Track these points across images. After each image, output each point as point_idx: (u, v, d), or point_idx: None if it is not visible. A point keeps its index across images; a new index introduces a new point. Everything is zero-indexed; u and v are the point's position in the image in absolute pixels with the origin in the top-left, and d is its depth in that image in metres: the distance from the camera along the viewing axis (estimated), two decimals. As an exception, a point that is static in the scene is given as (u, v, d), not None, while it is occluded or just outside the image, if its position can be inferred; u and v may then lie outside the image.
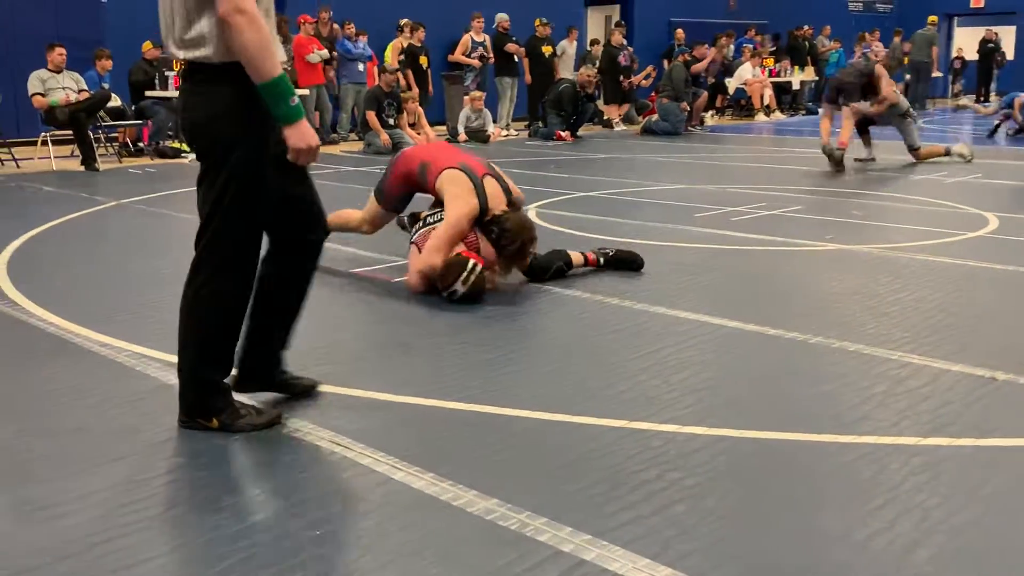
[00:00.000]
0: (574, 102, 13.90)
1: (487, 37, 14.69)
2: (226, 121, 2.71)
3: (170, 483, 2.66)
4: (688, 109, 14.59)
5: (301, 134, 2.70)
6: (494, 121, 14.33)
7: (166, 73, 11.84)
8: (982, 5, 24.48)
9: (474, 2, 15.33)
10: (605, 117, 15.96)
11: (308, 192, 2.99)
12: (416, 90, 13.71)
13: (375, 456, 2.77)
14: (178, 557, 2.25)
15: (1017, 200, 7.90)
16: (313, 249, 3.05)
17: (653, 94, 16.60)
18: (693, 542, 2.30)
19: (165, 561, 2.23)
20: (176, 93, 11.66)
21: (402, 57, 14.06)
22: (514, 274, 4.88)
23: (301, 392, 3.19)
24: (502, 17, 14.87)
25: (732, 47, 18.86)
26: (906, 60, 19.31)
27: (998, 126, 13.62)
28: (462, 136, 13.70)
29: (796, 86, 19.15)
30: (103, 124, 11.17)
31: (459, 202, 4.64)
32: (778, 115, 18.25)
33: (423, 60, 14.36)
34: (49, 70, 10.53)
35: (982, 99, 21.37)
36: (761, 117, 17.74)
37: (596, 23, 19.88)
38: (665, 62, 16.50)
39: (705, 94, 16.06)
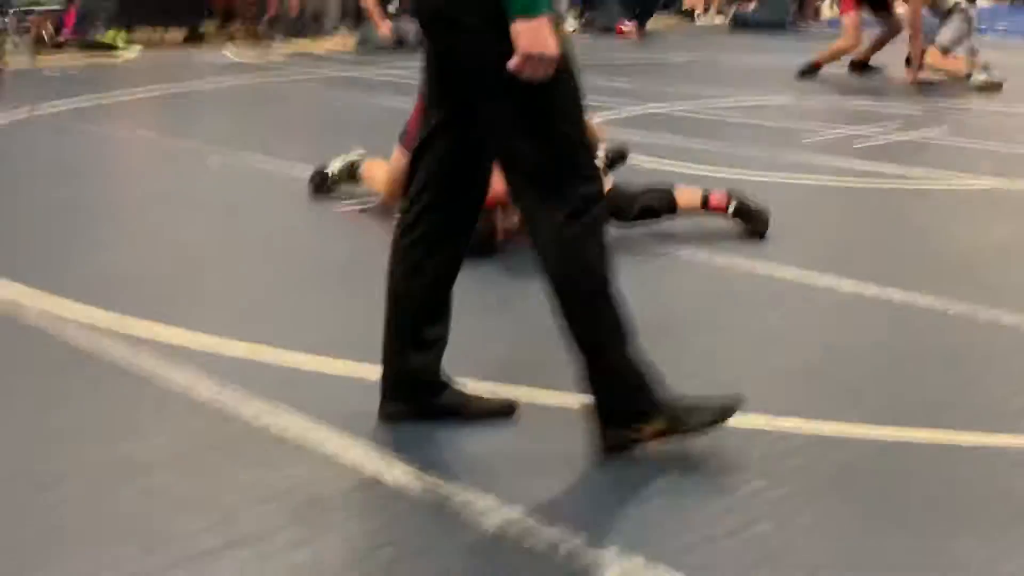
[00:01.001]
0: None
1: None
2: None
3: (88, 482, 2.70)
4: None
5: (538, 35, 2.59)
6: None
7: (100, -63, 11.86)
8: None
9: None
10: (684, 5, 15.83)
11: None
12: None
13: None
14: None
15: None
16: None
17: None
18: (780, 572, 2.31)
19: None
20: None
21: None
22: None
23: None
24: None
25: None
26: None
27: None
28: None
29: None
30: (12, 10, 11.23)
31: None
32: None
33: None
34: (-60, -66, 10.57)
35: None
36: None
37: None
38: None
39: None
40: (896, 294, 4.07)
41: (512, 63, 2.58)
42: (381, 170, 5.15)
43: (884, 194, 5.70)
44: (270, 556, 2.34)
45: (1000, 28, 13.96)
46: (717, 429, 2.78)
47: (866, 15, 9.76)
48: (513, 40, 2.57)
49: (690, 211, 4.86)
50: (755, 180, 5.90)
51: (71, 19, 11.97)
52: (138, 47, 12.09)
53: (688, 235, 4.81)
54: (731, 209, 4.89)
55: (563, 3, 14.09)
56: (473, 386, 3.08)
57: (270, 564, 2.31)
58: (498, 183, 4.46)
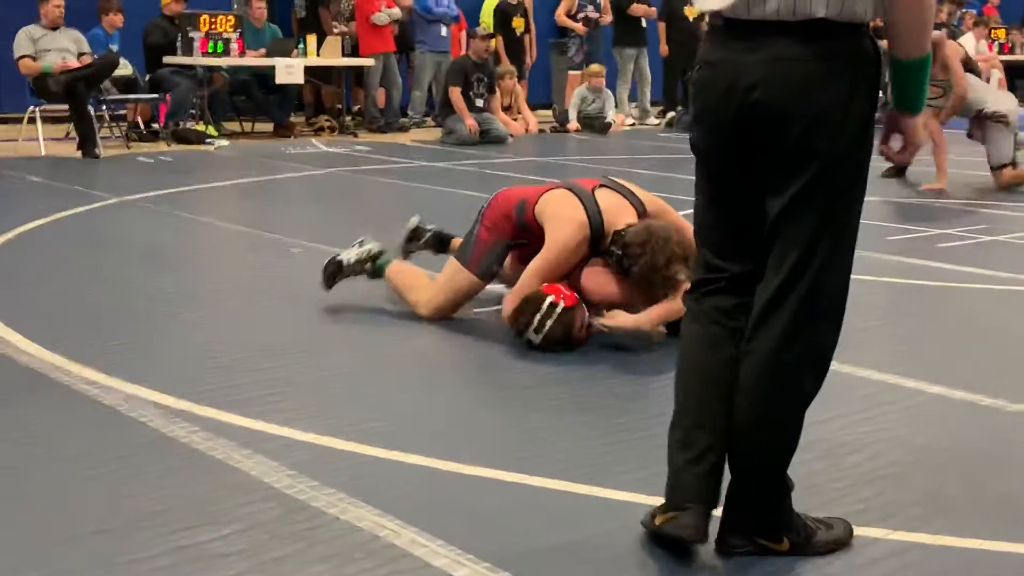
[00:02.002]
0: None
1: None
2: (856, 106, 2.61)
3: (161, 570, 2.70)
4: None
5: (918, 130, 2.72)
6: (615, 105, 14.37)
7: (191, 34, 12.23)
8: None
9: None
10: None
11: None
12: (505, 62, 13.79)
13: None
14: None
15: None
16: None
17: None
18: None
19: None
20: (203, 60, 12.08)
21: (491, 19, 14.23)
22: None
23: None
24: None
25: (958, 13, 18.55)
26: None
27: None
28: (573, 124, 13.79)
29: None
30: (108, 98, 11.57)
31: (558, 223, 4.61)
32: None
33: (518, 23, 14.48)
34: (43, 26, 10.95)
35: None
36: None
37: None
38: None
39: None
40: (984, 398, 3.99)
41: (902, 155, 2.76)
42: (420, 281, 5.03)
43: (970, 295, 5.61)
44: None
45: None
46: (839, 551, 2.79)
47: None
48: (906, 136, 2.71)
49: None
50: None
51: (165, 109, 12.29)
52: (229, 138, 12.38)
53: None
54: None
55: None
56: (542, 482, 3.05)
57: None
58: (594, 281, 4.43)
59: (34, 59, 10.77)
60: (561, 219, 4.61)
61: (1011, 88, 18.24)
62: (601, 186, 4.79)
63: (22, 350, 4.40)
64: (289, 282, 5.69)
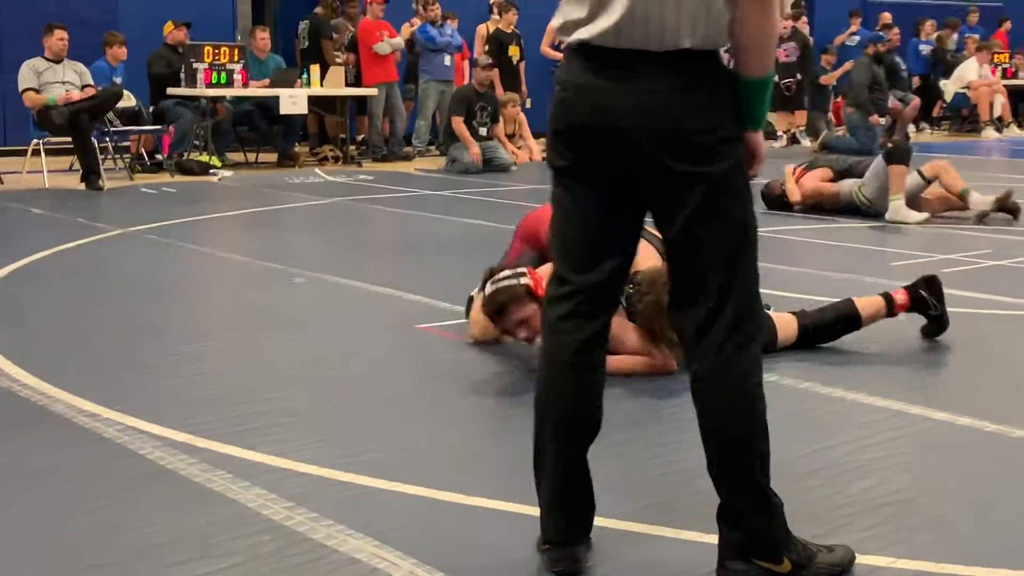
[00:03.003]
0: None
1: None
2: (726, 128, 2.71)
3: (159, 602, 2.69)
4: (880, 123, 14.37)
5: (760, 143, 2.81)
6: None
7: (194, 65, 12.27)
8: None
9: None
10: (789, 130, 15.88)
11: None
12: (500, 90, 13.81)
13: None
14: None
15: None
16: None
17: (839, 99, 16.46)
18: None
19: None
20: (207, 91, 12.12)
21: (487, 47, 14.27)
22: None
23: None
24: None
25: (955, 38, 18.64)
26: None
27: None
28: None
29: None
30: (111, 130, 11.63)
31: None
32: (1015, 130, 17.85)
33: (513, 51, 14.54)
34: (46, 59, 11.01)
35: None
36: (990, 133, 17.41)
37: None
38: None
39: (916, 101, 15.85)
40: (989, 424, 3.97)
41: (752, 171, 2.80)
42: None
43: (975, 321, 5.58)
44: None
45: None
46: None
47: None
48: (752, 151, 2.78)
49: (876, 318, 4.95)
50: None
51: (168, 140, 12.33)
52: (232, 169, 12.41)
53: (777, 360, 4.74)
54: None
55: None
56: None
57: None
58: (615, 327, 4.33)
59: (38, 92, 10.82)
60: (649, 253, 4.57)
61: (1014, 114, 18.31)
62: None
63: (22, 383, 4.39)
64: (291, 312, 5.68)
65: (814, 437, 3.86)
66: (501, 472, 3.51)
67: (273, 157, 13.26)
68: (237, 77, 12.53)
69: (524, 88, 14.75)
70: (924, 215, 8.61)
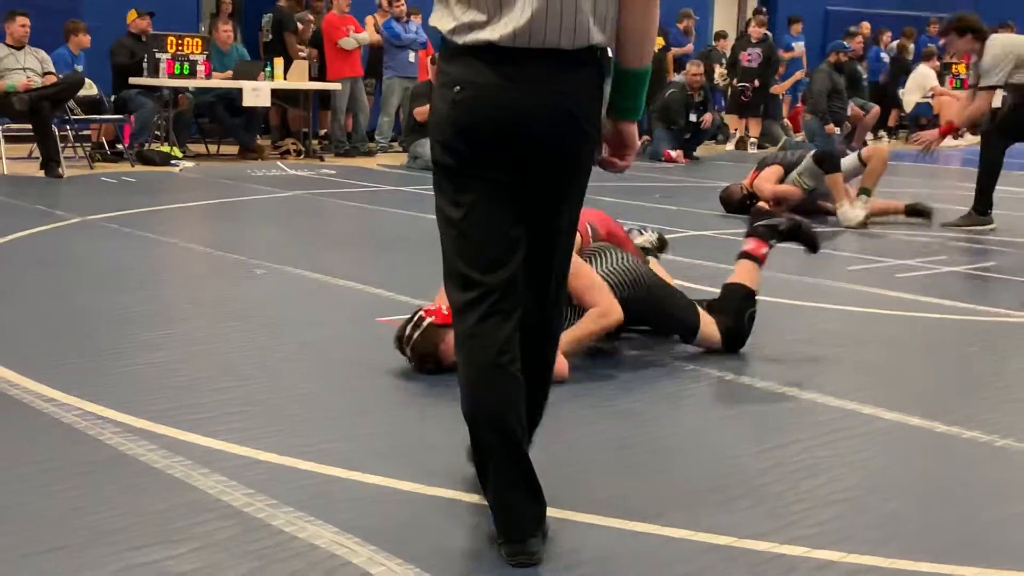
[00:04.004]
0: (686, 111, 13.97)
1: None
2: (598, 116, 2.82)
3: (118, 585, 2.69)
4: (836, 130, 14.49)
5: (635, 134, 2.90)
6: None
7: (157, 55, 12.21)
8: None
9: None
10: (737, 133, 16.00)
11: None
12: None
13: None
14: None
15: None
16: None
17: (798, 105, 16.62)
18: None
19: None
20: (169, 81, 12.06)
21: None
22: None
23: None
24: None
25: (911, 48, 18.83)
26: None
27: None
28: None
29: (998, 103, 18.97)
30: (72, 118, 11.54)
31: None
32: (970, 139, 18.02)
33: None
34: (7, 45, 10.92)
35: None
36: (947, 141, 17.55)
37: (726, 9, 20.00)
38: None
39: (876, 109, 16.00)
40: (939, 425, 4.02)
41: (615, 163, 2.92)
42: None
43: (927, 325, 5.66)
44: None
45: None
46: None
47: None
48: (622, 141, 2.89)
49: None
50: (794, 306, 5.88)
51: (129, 130, 12.26)
52: (193, 160, 12.35)
53: (724, 361, 4.79)
54: (773, 244, 5.09)
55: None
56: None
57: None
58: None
59: (-2, 78, 10.72)
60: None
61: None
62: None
63: (-20, 367, 4.37)
64: (252, 302, 5.68)
65: (769, 436, 3.91)
66: (459, 462, 3.53)
67: (234, 149, 13.22)
68: (200, 68, 12.48)
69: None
70: (862, 214, 8.76)
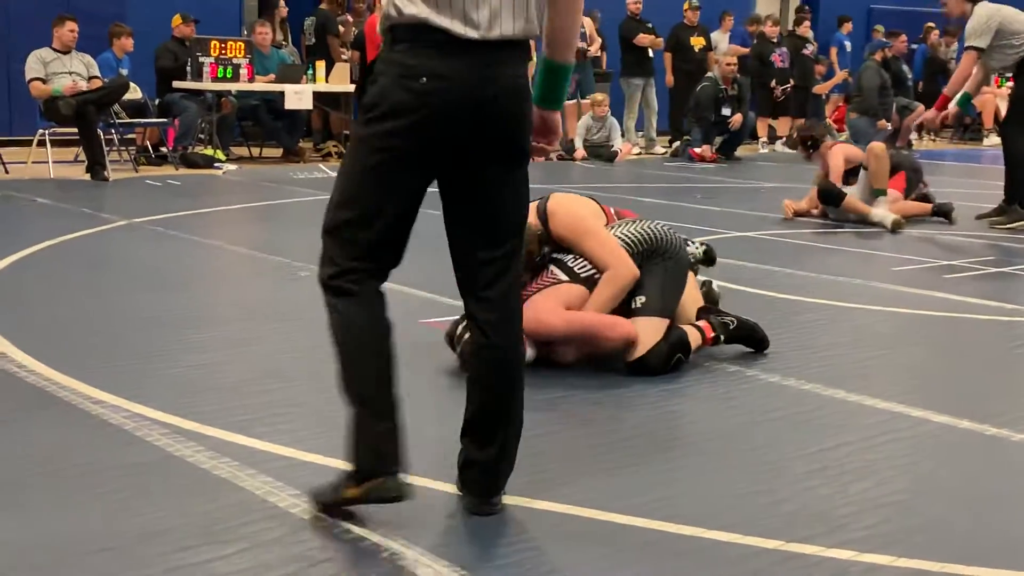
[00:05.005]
0: (716, 105, 13.84)
1: (589, 21, 14.56)
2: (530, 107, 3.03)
3: (166, 586, 2.70)
4: (887, 127, 14.39)
5: (559, 121, 3.16)
6: (622, 134, 14.42)
7: (200, 59, 12.29)
8: None
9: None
10: (774, 135, 15.91)
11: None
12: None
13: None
14: None
15: None
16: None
17: (842, 105, 16.50)
18: None
19: None
20: (212, 85, 12.14)
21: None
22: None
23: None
24: (632, -5, 14.89)
25: (956, 46, 18.63)
26: None
27: None
28: (579, 152, 13.81)
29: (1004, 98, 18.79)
30: (117, 122, 11.62)
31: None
32: (995, 140, 17.84)
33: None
34: (54, 49, 11.00)
35: None
36: (994, 140, 17.40)
37: (768, 7, 19.89)
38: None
39: (921, 108, 15.86)
40: (990, 428, 3.99)
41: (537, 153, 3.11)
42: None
43: (975, 326, 5.61)
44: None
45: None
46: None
47: None
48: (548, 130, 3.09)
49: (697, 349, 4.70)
50: (841, 307, 5.84)
51: (173, 133, 12.34)
52: (236, 163, 12.42)
53: (769, 363, 4.76)
54: (722, 338, 4.74)
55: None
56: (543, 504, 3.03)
57: None
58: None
59: (44, 82, 10.81)
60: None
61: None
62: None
63: (28, 369, 4.40)
64: (296, 304, 5.70)
65: (816, 438, 3.88)
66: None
67: (277, 152, 13.28)
68: (243, 72, 12.55)
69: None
70: (891, 214, 8.70)
